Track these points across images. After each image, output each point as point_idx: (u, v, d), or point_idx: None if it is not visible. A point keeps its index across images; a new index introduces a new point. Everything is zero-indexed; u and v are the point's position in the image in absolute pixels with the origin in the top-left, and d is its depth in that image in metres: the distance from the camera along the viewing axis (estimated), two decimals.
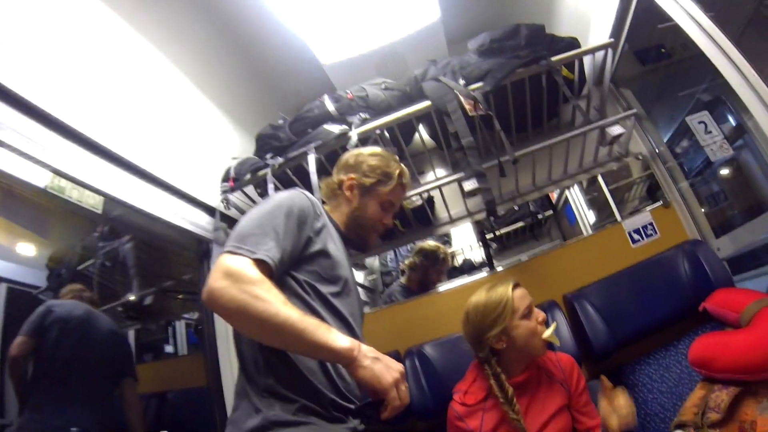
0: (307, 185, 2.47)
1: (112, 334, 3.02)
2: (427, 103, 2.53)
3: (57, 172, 1.93)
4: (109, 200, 2.21)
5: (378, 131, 2.55)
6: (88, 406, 2.66)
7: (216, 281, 1.27)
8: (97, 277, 3.55)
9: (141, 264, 3.60)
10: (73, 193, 2.07)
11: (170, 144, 2.61)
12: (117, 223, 2.71)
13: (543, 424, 1.95)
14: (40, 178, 1.91)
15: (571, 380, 2.03)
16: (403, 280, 3.62)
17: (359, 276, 4.46)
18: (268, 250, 1.37)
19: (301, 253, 1.52)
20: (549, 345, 1.99)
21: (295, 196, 1.58)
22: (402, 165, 1.94)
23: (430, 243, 3.58)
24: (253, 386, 1.41)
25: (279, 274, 1.42)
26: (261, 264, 1.34)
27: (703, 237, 2.66)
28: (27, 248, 3.42)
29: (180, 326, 4.07)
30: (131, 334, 3.80)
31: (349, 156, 1.92)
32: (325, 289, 1.55)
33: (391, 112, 2.58)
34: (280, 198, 1.55)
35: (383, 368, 1.35)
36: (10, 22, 1.76)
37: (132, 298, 3.65)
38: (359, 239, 1.86)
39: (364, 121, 2.61)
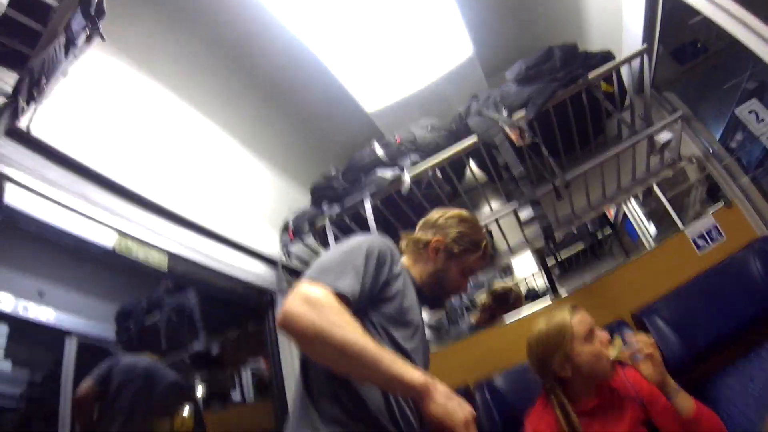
0: (367, 232, 2.53)
1: (175, 384, 3.15)
2: (474, 139, 2.56)
3: (123, 234, 2.08)
4: (174, 258, 2.34)
5: (430, 172, 2.59)
6: None
7: (295, 306, 1.26)
8: (164, 329, 3.66)
9: (207, 316, 3.70)
10: (140, 253, 2.18)
11: (229, 201, 2.76)
12: (182, 278, 2.81)
13: None
14: (108, 239, 2.03)
15: (642, 392, 1.97)
16: (472, 319, 3.60)
17: (424, 316, 4.35)
18: (348, 285, 1.37)
19: (378, 294, 1.52)
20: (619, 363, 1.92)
21: (375, 239, 1.57)
22: (486, 234, 1.97)
23: (500, 284, 3.57)
24: (317, 413, 1.40)
25: (355, 310, 1.37)
26: (340, 297, 1.32)
27: None
28: (95, 304, 3.55)
29: (246, 374, 4.17)
30: (198, 384, 3.90)
31: (437, 216, 1.90)
32: (398, 333, 1.53)
33: (440, 152, 2.62)
34: (360, 240, 1.55)
35: (456, 406, 1.31)
36: (81, 95, 1.97)
37: (199, 348, 3.75)
38: (435, 299, 1.87)
39: (415, 164, 2.65)
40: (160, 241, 2.28)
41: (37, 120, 1.65)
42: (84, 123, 1.99)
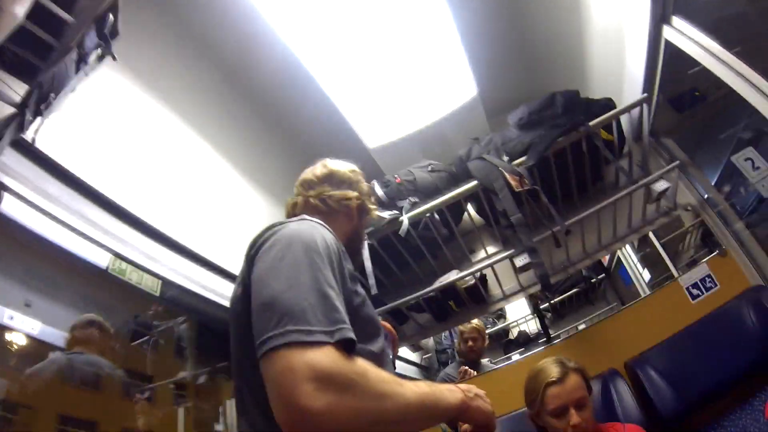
0: (361, 271, 2.51)
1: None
2: (474, 183, 2.59)
3: (118, 256, 2.05)
4: (166, 283, 2.31)
5: (428, 215, 2.60)
6: None
7: (313, 399, 0.77)
8: (150, 353, 3.60)
9: (196, 344, 3.64)
10: (134, 276, 2.15)
11: (223, 228, 2.73)
12: (173, 303, 2.78)
13: None
14: (102, 259, 2.01)
15: None
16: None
17: (415, 357, 4.41)
18: (342, 320, 0.92)
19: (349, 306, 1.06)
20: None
21: (316, 230, 1.11)
22: None
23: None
24: None
25: None
26: (345, 346, 0.88)
27: (766, 281, 2.44)
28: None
29: (230, 404, 4.09)
30: (181, 412, 3.81)
31: (344, 169, 1.56)
32: (375, 345, 1.15)
33: (440, 194, 2.64)
34: (302, 236, 1.06)
35: (483, 403, 1.17)
36: (87, 112, 1.97)
37: (184, 375, 3.68)
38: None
39: (413, 205, 2.66)
40: (155, 266, 2.26)
41: (42, 133, 1.64)
42: (87, 140, 1.99)
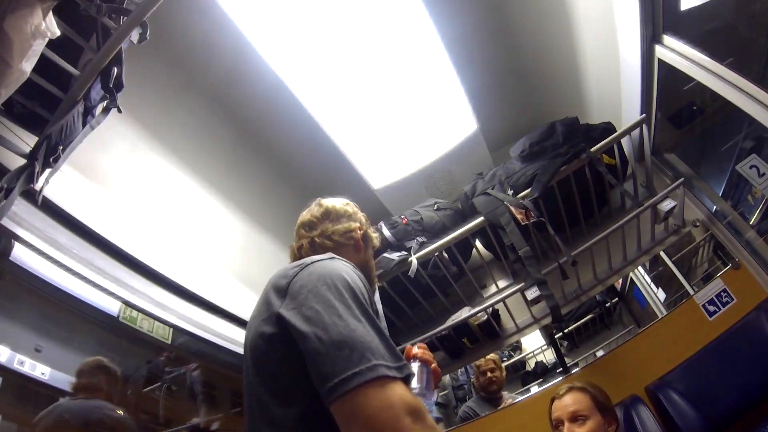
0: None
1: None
2: (480, 219, 2.59)
3: (128, 304, 2.10)
4: (177, 330, 2.35)
5: (437, 253, 2.60)
6: None
7: (409, 427, 0.87)
8: (162, 399, 3.57)
9: (209, 389, 3.61)
10: (145, 324, 2.19)
11: (235, 276, 2.77)
12: (184, 350, 2.78)
13: None
14: (112, 307, 2.07)
15: None
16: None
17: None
18: (401, 357, 1.00)
19: None
20: None
21: (350, 270, 1.16)
22: None
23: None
24: None
25: None
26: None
27: None
28: None
29: None
30: None
31: (340, 205, 1.60)
32: None
33: (447, 232, 2.64)
34: (343, 276, 1.10)
35: None
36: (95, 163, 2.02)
37: (198, 421, 3.64)
38: None
39: (422, 245, 2.67)
40: (165, 314, 2.30)
41: (51, 184, 1.65)
42: (95, 190, 2.05)
